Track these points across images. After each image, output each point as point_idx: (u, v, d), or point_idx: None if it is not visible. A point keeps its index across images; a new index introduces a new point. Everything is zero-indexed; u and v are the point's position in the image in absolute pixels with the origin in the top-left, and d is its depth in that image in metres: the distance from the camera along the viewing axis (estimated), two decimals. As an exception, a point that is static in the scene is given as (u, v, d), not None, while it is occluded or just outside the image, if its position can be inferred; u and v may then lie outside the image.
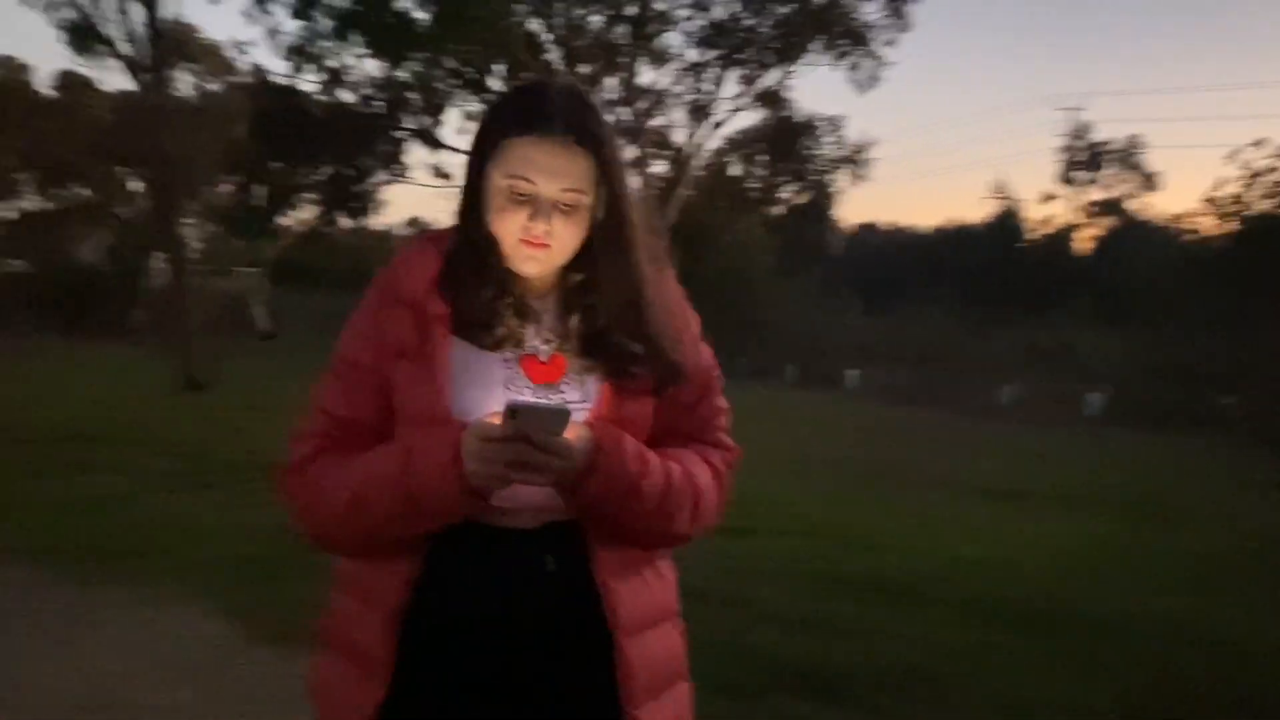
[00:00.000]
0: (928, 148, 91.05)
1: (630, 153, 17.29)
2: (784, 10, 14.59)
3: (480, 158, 1.34)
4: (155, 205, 20.73)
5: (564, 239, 1.32)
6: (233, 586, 4.54)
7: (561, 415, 1.22)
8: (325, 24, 16.50)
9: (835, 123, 24.99)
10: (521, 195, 1.30)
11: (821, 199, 32.49)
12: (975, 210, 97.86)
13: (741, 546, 5.73)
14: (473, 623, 1.33)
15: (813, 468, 11.54)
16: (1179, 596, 5.51)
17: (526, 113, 1.31)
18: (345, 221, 22.04)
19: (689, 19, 15.69)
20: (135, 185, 31.67)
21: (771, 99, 18.88)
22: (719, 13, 14.93)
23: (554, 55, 16.28)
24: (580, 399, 1.36)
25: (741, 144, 25.12)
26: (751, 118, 25.96)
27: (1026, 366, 27.15)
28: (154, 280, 26.19)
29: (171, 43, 17.67)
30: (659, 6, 15.31)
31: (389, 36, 16.24)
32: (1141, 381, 23.28)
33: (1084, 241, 43.81)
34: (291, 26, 18.24)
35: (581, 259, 1.37)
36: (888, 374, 27.91)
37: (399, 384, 1.35)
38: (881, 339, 31.14)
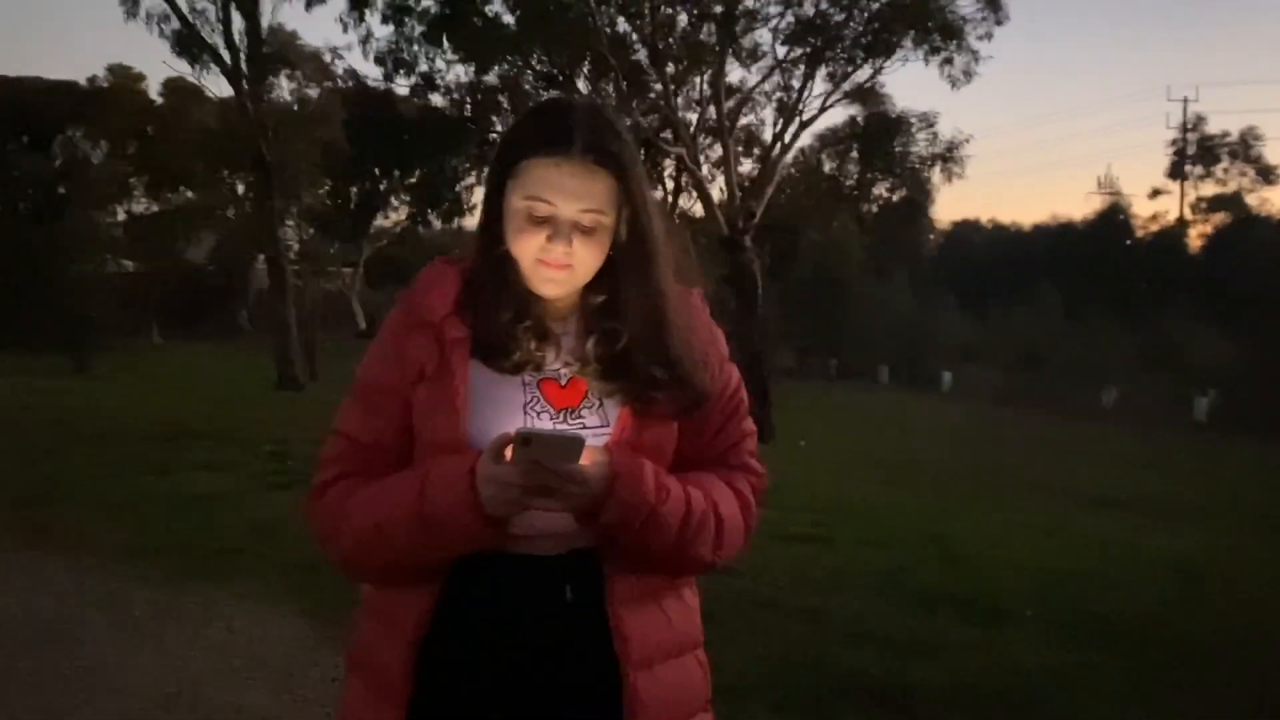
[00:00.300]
0: (1031, 143, 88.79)
1: (717, 152, 17.23)
2: (874, 5, 14.34)
3: (499, 178, 1.32)
4: (255, 208, 21.38)
5: (584, 260, 1.30)
6: (315, 589, 4.60)
7: (575, 444, 1.19)
8: (416, 29, 16.83)
9: (928, 119, 24.42)
10: (540, 217, 1.28)
11: (917, 196, 31.87)
12: (1080, 207, 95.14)
13: (818, 555, 5.63)
14: (490, 652, 1.32)
15: (902, 472, 11.32)
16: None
17: (545, 133, 1.29)
18: (436, 222, 22.42)
19: (778, 16, 15.54)
20: (240, 188, 32.73)
21: (862, 95, 18.55)
22: (807, 9, 14.76)
23: (641, 55, 16.29)
24: (599, 424, 1.34)
25: (833, 141, 24.76)
26: (843, 115, 25.70)
27: (1131, 368, 26.22)
28: (257, 281, 27.04)
29: (271, 50, 18.20)
30: (747, 4, 15.20)
31: (477, 40, 16.46)
32: (1252, 385, 22.26)
33: (1195, 238, 42.07)
34: (383, 32, 18.59)
35: (604, 280, 1.34)
36: (985, 375, 27.27)
37: (418, 408, 1.34)
38: (980, 339, 30.44)
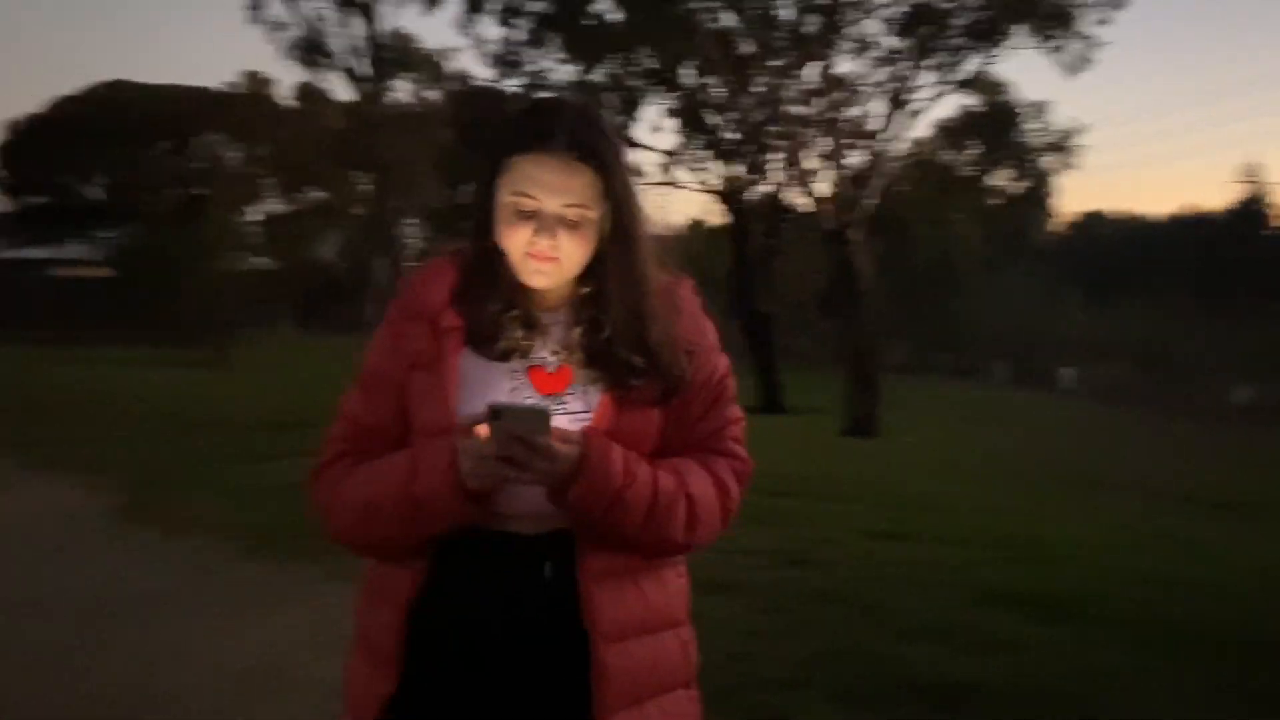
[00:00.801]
0: (1167, 130, 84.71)
1: (826, 144, 17.06)
2: (982, -8, 13.97)
3: (489, 175, 1.40)
4: (374, 207, 22.11)
5: (570, 254, 1.37)
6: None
7: (541, 415, 1.27)
8: (525, 30, 17.14)
9: (1041, 108, 23.63)
10: (526, 211, 1.35)
11: (1038, 187, 30.84)
12: (1216, 197, 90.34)
13: (894, 552, 5.61)
14: (473, 624, 1.39)
15: (1003, 471, 11.08)
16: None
17: (531, 131, 1.36)
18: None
19: (886, 5, 15.27)
20: (366, 187, 33.91)
21: (974, 84, 18.10)
22: (915, -3, 14.46)
23: (747, 49, 16.24)
24: (583, 409, 1.40)
25: (947, 131, 24.18)
26: (955, 104, 25.09)
27: (1264, 366, 24.87)
28: (378, 277, 27.99)
29: (391, 54, 18.83)
30: (853, -6, 14.97)
31: (585, 39, 16.69)
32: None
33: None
34: (496, 34, 19.02)
35: (593, 272, 1.41)
36: (1108, 372, 26.26)
37: (412, 394, 1.42)
38: (1104, 335, 29.30)
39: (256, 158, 34.20)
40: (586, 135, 1.36)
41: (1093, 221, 54.14)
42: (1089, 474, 11.36)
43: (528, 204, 1.35)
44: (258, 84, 33.69)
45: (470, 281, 1.44)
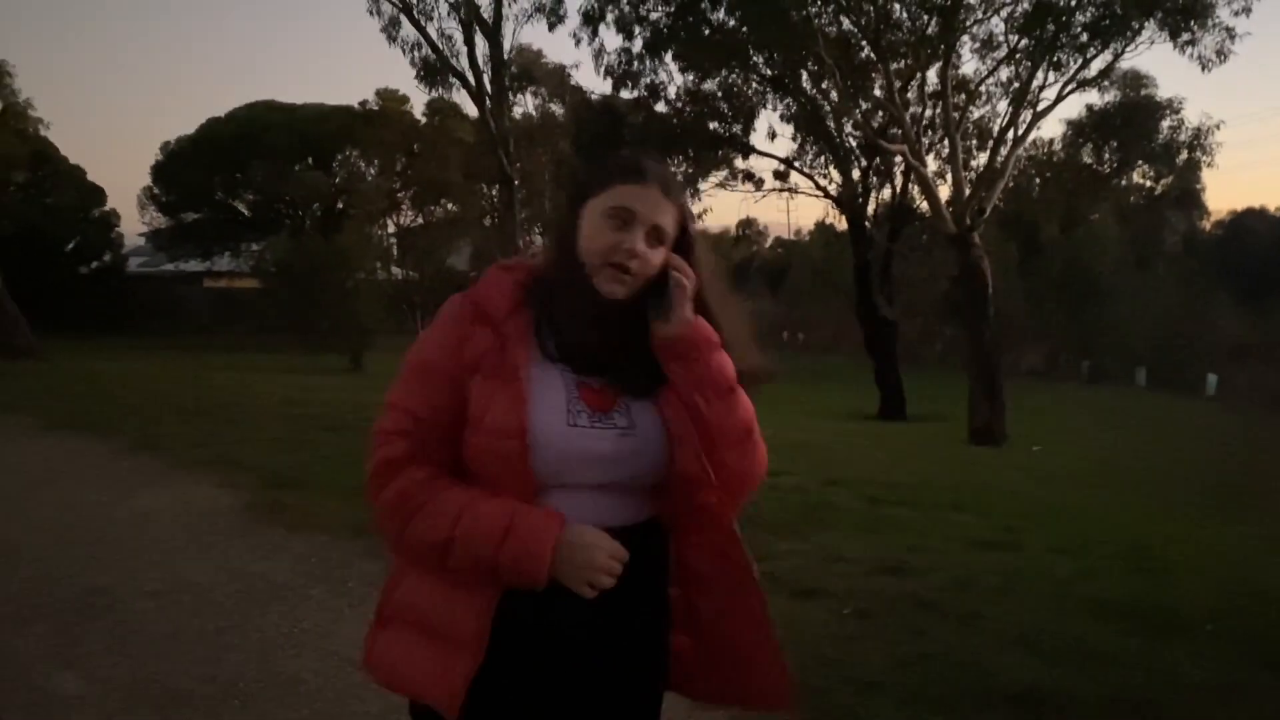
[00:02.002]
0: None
1: (948, 147, 16.73)
2: (1108, -12, 13.44)
3: (579, 198, 1.60)
4: (499, 219, 22.72)
5: (648, 262, 1.56)
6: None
7: None
8: (643, 40, 17.35)
9: (1170, 104, 22.57)
10: (621, 219, 1.55)
11: (1180, 185, 29.44)
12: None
13: (999, 561, 5.52)
14: (560, 618, 1.52)
15: (1133, 480, 10.67)
16: None
17: (626, 169, 1.59)
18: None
19: (1008, 3, 14.89)
20: (495, 199, 34.80)
21: (1103, 81, 17.46)
22: (1037, -7, 14.02)
23: (864, 53, 16.10)
24: (627, 425, 1.57)
25: (1076, 129, 23.34)
26: (1083, 102, 24.21)
27: None
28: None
29: (514, 70, 19.35)
30: (970, -4, 14.64)
31: (703, 48, 16.80)
32: None
33: None
34: (614, 45, 19.31)
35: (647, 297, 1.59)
36: (1260, 378, 24.82)
37: (476, 396, 1.53)
38: (1256, 339, 27.72)
39: (393, 172, 35.51)
40: (668, 177, 1.61)
41: (1247, 219, 51.24)
42: (1226, 483, 10.84)
43: (624, 213, 1.54)
44: (393, 102, 34.97)
45: (543, 293, 1.59)
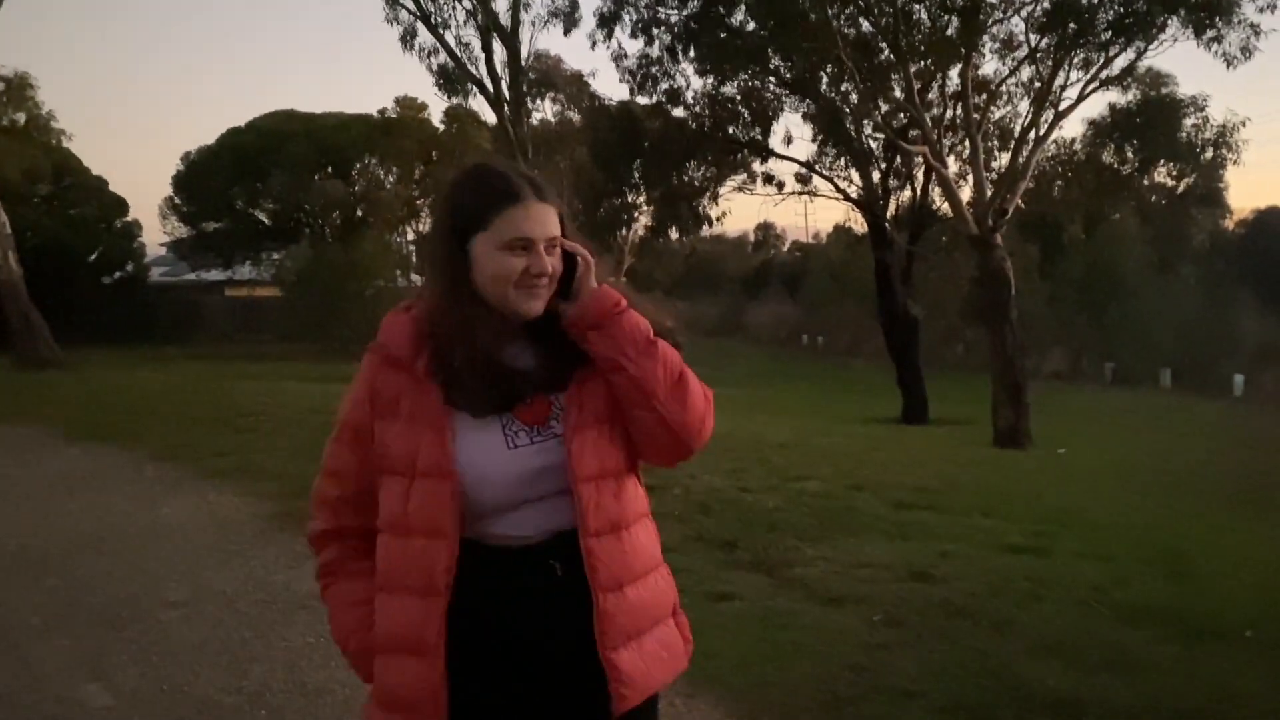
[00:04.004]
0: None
1: (968, 148, 16.63)
2: (1130, -17, 13.30)
3: (459, 235, 1.59)
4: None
5: (556, 271, 1.59)
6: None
7: None
8: (662, 44, 17.34)
9: (1198, 101, 22.38)
10: (519, 249, 1.56)
11: (1204, 184, 29.15)
12: None
13: (1028, 567, 5.45)
14: (505, 625, 1.59)
15: (1161, 483, 10.52)
16: None
17: (501, 193, 1.58)
18: (673, 233, 23.05)
19: (1028, 3, 14.77)
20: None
21: (1126, 80, 17.31)
22: (1058, -8, 13.89)
23: (884, 56, 16.00)
24: (566, 426, 1.60)
25: (1098, 129, 23.15)
26: (1106, 101, 24.05)
27: None
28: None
29: (532, 76, 19.38)
30: (990, -4, 14.54)
31: (722, 51, 16.76)
32: None
33: None
34: (633, 49, 19.28)
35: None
36: (1284, 378, 24.55)
37: (396, 439, 1.59)
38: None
39: (412, 180, 35.61)
40: (543, 183, 1.63)
41: (1271, 217, 50.66)
42: (1256, 486, 10.69)
43: (521, 241, 1.55)
44: (411, 110, 35.08)
45: (439, 330, 1.59)
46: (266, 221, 36.14)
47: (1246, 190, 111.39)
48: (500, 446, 1.57)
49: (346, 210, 34.68)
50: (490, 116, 21.64)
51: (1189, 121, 22.35)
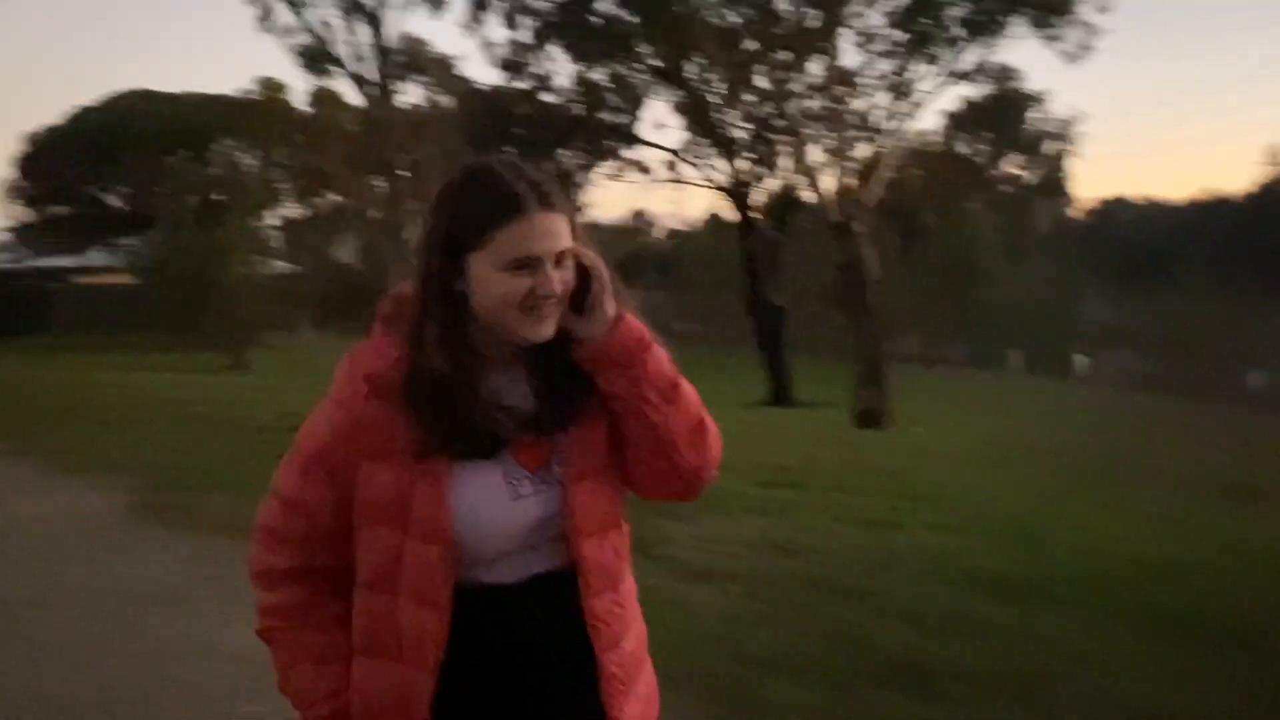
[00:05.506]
0: (1191, 113, 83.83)
1: (830, 138, 17.12)
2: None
3: (452, 253, 1.35)
4: (384, 211, 22.35)
5: (566, 288, 1.37)
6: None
7: None
8: (529, 31, 17.27)
9: (1039, 97, 23.64)
10: (523, 269, 1.33)
11: (1050, 175, 30.70)
12: (1238, 180, 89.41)
13: (884, 540, 5.74)
14: (500, 665, 1.42)
15: (1010, 459, 11.13)
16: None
17: (504, 204, 1.33)
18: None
19: (884, -1, 15.30)
20: (382, 191, 34.12)
21: (977, 75, 18.12)
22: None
23: (749, 45, 16.30)
24: (569, 469, 1.42)
25: (953, 121, 24.16)
26: (959, 94, 25.05)
27: (1280, 351, 24.69)
28: (393, 280, 28.20)
29: (399, 59, 19.02)
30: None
31: (589, 39, 16.80)
32: None
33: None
34: (501, 37, 19.15)
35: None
36: (1126, 360, 26.14)
37: (386, 486, 1.37)
38: (1121, 323, 29.14)
39: (273, 163, 34.50)
40: (551, 187, 1.36)
41: (1114, 208, 53.70)
42: (1099, 461, 11.40)
43: (529, 261, 1.33)
44: (273, 90, 33.96)
45: (426, 375, 1.36)
46: (120, 205, 34.50)
47: (1094, 181, 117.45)
48: (503, 496, 1.38)
49: (204, 194, 33.37)
50: (354, 98, 21.14)
51: (1033, 115, 23.53)
